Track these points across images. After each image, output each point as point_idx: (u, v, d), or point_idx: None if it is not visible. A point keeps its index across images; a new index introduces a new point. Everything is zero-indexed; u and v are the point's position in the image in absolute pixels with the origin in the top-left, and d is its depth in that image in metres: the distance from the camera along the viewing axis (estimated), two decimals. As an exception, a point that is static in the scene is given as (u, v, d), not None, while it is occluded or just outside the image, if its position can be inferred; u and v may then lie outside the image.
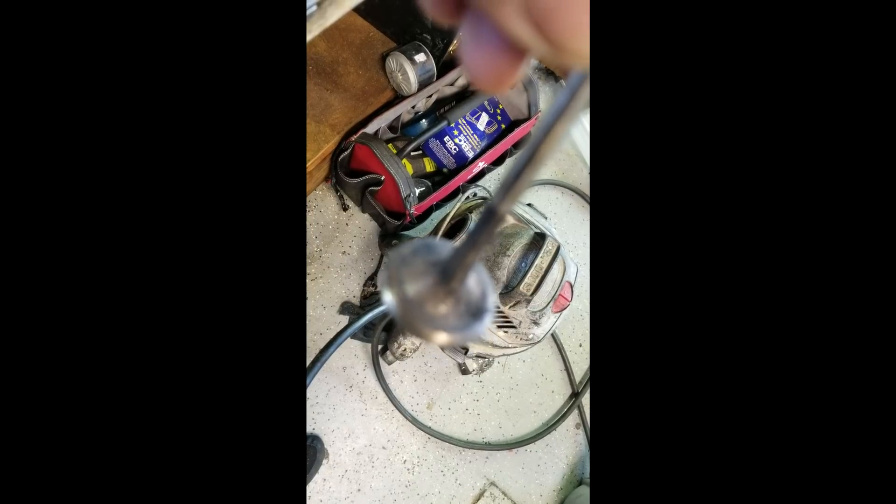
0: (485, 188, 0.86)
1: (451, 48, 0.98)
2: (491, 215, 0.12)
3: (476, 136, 1.06)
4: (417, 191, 0.95)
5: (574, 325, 1.20)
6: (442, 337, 0.13)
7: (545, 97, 1.28)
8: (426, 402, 1.02)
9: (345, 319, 0.99)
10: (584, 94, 0.09)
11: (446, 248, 0.14)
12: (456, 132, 1.04)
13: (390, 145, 0.95)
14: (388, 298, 0.13)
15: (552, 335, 1.15)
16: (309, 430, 0.92)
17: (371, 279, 1.02)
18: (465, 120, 1.05)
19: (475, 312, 0.14)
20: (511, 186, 0.12)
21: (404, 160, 0.95)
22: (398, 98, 1.02)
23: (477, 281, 0.14)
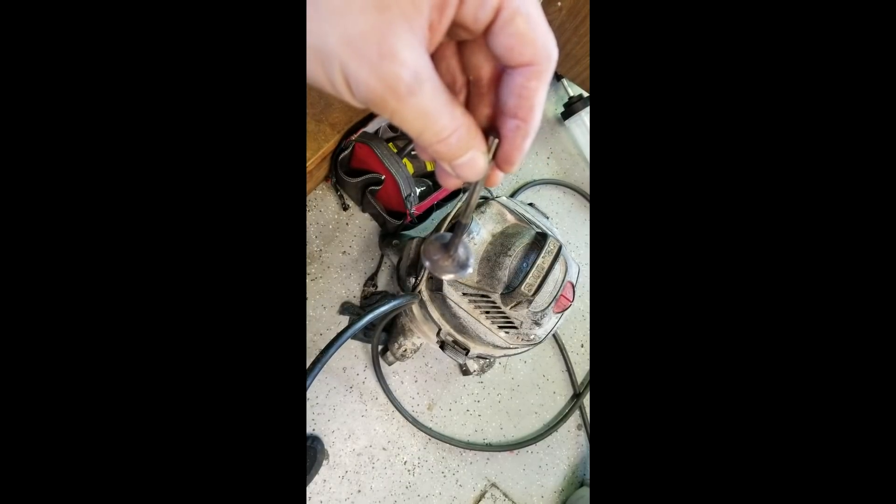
0: (486, 187, 0.86)
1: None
2: (458, 225, 0.30)
3: (477, 135, 1.06)
4: (418, 190, 0.95)
5: (576, 325, 1.20)
6: (451, 276, 0.31)
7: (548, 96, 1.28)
8: (427, 402, 1.02)
9: (345, 320, 0.98)
10: (480, 188, 0.27)
11: (447, 237, 0.32)
12: (457, 131, 1.03)
13: (391, 144, 0.94)
14: (426, 263, 0.31)
15: (554, 336, 1.15)
16: (309, 430, 0.92)
17: (371, 279, 1.02)
18: (466, 119, 1.04)
19: (463, 264, 0.31)
20: (463, 212, 0.29)
21: (405, 159, 0.95)
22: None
23: (464, 250, 0.31)
